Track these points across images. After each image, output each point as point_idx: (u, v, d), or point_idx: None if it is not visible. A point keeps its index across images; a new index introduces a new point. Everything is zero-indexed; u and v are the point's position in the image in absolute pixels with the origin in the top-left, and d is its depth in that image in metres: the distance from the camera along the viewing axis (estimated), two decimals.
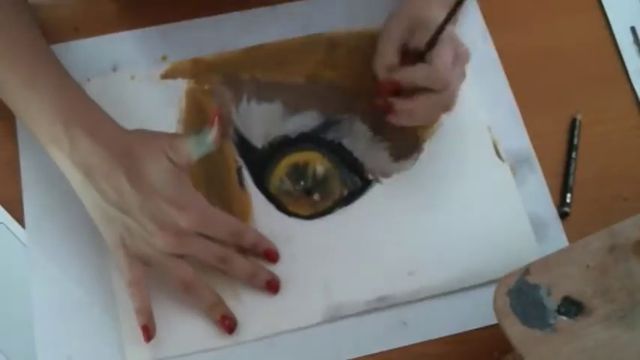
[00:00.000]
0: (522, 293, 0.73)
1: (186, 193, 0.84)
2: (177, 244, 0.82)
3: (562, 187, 0.94)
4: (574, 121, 0.96)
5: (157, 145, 0.84)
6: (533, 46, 1.01)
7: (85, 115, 0.84)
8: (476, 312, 0.85)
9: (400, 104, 0.88)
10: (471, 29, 1.01)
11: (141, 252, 0.82)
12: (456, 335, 0.85)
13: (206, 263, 0.84)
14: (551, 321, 0.71)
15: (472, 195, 0.92)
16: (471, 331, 0.85)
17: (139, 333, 0.82)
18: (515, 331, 0.71)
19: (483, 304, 0.80)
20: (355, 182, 0.93)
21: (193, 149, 0.84)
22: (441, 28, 0.84)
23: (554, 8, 1.04)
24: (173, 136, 0.87)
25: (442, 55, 0.86)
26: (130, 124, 0.86)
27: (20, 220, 0.88)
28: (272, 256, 0.88)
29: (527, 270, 0.74)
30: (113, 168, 0.81)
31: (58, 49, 0.95)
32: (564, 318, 0.71)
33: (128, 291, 0.83)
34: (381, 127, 0.95)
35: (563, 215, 0.92)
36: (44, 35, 0.89)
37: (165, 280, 0.84)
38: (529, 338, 0.71)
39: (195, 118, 0.94)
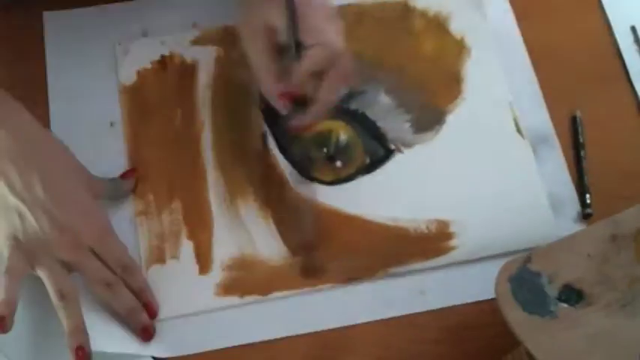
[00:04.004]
0: (524, 280, 0.73)
1: (94, 208, 0.84)
2: (70, 251, 0.80)
3: (577, 187, 0.94)
4: (574, 118, 0.97)
5: (77, 167, 0.86)
6: (533, 46, 1.01)
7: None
8: (491, 283, 0.83)
9: (320, 97, 0.86)
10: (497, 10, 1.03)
11: (30, 249, 0.80)
12: (456, 335, 0.86)
13: (91, 282, 0.82)
14: (552, 308, 0.71)
15: (491, 168, 0.94)
16: (471, 330, 0.86)
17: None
18: (516, 317, 0.71)
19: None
20: (377, 151, 0.94)
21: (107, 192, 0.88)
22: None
23: (554, 8, 1.04)
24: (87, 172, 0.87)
25: (312, 31, 0.83)
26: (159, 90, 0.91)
27: None
28: (152, 310, 0.85)
29: (528, 257, 0.74)
30: (28, 160, 0.81)
31: (90, 12, 0.99)
32: (565, 305, 0.71)
33: None
34: (404, 99, 0.96)
35: (586, 216, 0.92)
36: None
37: (86, 282, 0.83)
38: (529, 325, 0.71)
39: (224, 84, 0.96)
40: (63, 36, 0.98)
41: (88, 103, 0.95)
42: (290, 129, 0.88)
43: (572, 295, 0.72)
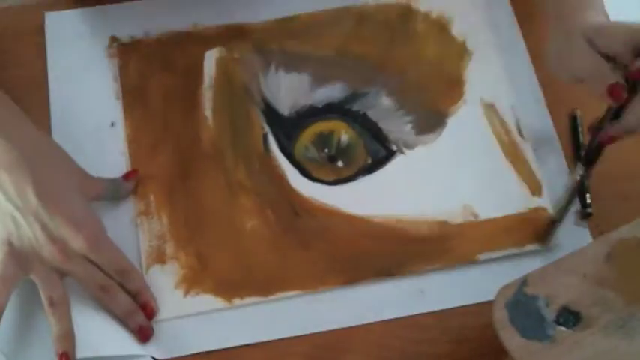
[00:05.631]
0: (521, 304, 0.73)
1: (87, 215, 0.84)
2: (62, 260, 0.80)
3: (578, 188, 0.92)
4: (574, 118, 0.96)
5: (73, 171, 0.86)
6: (532, 46, 1.00)
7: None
8: (491, 284, 0.83)
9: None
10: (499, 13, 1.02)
11: (24, 256, 0.80)
12: (456, 335, 0.86)
13: (86, 287, 0.83)
14: (550, 332, 0.71)
15: (493, 171, 0.93)
16: (471, 330, 0.86)
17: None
18: (515, 343, 0.71)
19: (499, 277, 0.81)
20: (379, 152, 0.94)
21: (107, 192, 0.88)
22: None
23: None
24: (85, 174, 0.88)
25: None
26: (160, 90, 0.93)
27: None
28: (149, 311, 0.85)
29: (524, 281, 0.74)
30: (22, 168, 0.80)
31: (91, 12, 1.00)
32: (563, 328, 0.71)
33: None
34: (406, 101, 0.96)
35: (585, 216, 0.91)
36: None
37: (82, 286, 0.83)
38: (528, 350, 0.71)
39: (225, 84, 0.96)
40: (64, 36, 0.98)
41: (89, 103, 0.95)
42: (604, 138, 0.86)
43: (570, 317, 0.72)
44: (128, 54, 0.97)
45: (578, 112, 0.96)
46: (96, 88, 0.96)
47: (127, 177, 0.90)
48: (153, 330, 0.85)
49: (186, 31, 0.99)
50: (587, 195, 0.92)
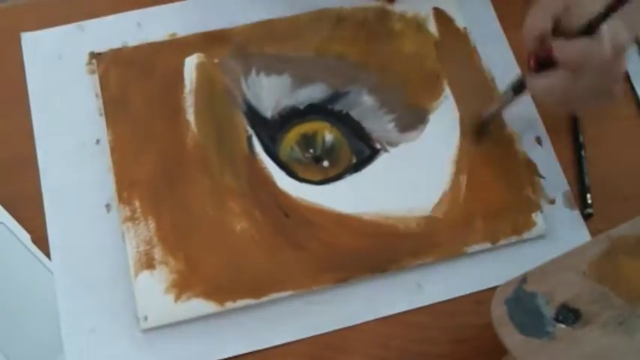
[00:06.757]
0: (520, 302, 0.73)
1: None
2: None
3: (579, 188, 0.94)
4: (574, 118, 0.97)
5: None
6: (513, 37, 1.01)
7: None
8: (487, 275, 0.87)
9: (553, 80, 0.80)
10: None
11: None
12: (456, 335, 0.87)
13: None
14: (550, 329, 0.71)
15: (478, 162, 0.94)
16: (470, 330, 0.87)
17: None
18: (514, 340, 0.71)
19: (494, 268, 0.85)
20: (363, 151, 0.94)
21: None
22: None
23: None
24: None
25: (613, 30, 0.76)
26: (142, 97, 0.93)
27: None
28: None
29: (524, 278, 0.74)
30: None
31: (68, 30, 0.99)
32: (562, 326, 0.71)
33: None
34: (387, 99, 0.96)
35: (587, 216, 0.92)
36: None
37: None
38: (528, 347, 0.71)
39: (206, 89, 0.95)
40: (42, 56, 0.97)
41: (73, 122, 0.94)
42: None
43: (569, 315, 0.72)
44: (107, 63, 0.96)
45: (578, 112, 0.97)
46: (78, 105, 0.95)
47: None
48: None
49: (166, 40, 0.99)
50: (588, 195, 0.93)
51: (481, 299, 0.85)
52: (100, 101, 0.94)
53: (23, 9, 1.00)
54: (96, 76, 0.96)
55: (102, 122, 0.94)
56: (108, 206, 0.90)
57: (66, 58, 0.97)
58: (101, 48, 0.97)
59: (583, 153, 0.95)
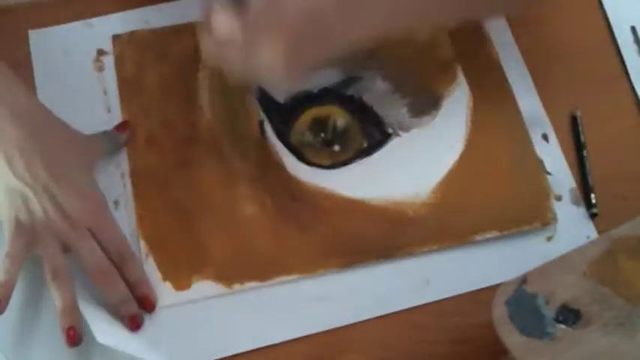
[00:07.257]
0: (520, 302, 0.72)
1: (92, 188, 0.85)
2: (69, 232, 0.81)
3: (582, 187, 0.94)
4: (574, 118, 0.96)
5: (75, 138, 0.86)
6: (532, 46, 1.00)
7: (5, 87, 0.84)
8: (495, 270, 0.85)
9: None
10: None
11: (32, 230, 0.80)
12: (456, 335, 0.86)
13: (86, 266, 0.82)
14: (550, 330, 0.71)
15: (489, 150, 0.94)
16: (471, 330, 0.86)
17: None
18: (514, 340, 0.71)
19: (503, 262, 0.85)
20: (375, 135, 0.94)
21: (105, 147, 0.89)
22: None
23: (554, 8, 1.02)
24: (82, 137, 0.88)
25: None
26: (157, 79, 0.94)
27: None
28: (148, 304, 0.84)
29: (524, 278, 0.74)
30: (31, 142, 0.81)
31: (76, 27, 0.99)
32: (563, 326, 0.71)
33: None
34: (401, 84, 0.96)
35: (591, 216, 0.92)
36: None
37: (82, 264, 0.82)
38: (528, 347, 0.70)
39: (220, 73, 0.89)
40: (49, 53, 0.97)
41: (82, 119, 0.93)
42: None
43: (570, 315, 0.72)
44: (123, 45, 0.97)
45: (578, 112, 0.96)
46: (86, 102, 0.96)
47: (118, 128, 0.92)
48: (143, 319, 0.84)
49: (182, 24, 0.99)
50: (593, 195, 0.92)
51: (482, 299, 0.83)
52: (108, 98, 0.95)
53: (31, 7, 1.00)
54: (103, 74, 0.96)
55: (110, 118, 0.94)
56: (116, 203, 0.91)
57: (74, 55, 0.97)
58: (109, 46, 0.98)
59: (585, 153, 0.94)
